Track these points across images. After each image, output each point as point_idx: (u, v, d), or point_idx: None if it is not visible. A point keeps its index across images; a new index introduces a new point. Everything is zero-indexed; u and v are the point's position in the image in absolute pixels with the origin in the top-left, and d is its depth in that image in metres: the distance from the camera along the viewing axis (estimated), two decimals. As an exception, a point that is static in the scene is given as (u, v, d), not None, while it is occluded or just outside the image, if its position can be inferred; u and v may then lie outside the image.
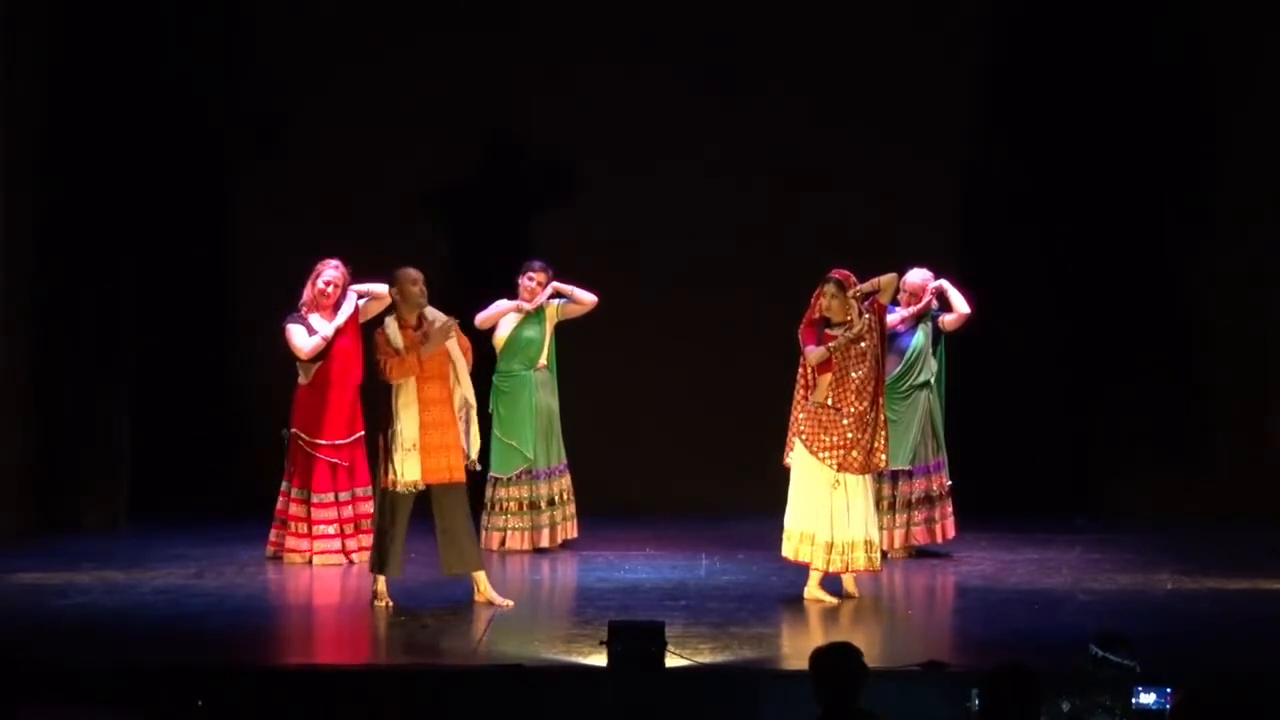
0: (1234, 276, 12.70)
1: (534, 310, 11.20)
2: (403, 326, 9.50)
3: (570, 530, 11.35)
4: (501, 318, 11.20)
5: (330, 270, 10.76)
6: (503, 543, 11.14)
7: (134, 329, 12.23)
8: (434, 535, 9.61)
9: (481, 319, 11.20)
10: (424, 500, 9.54)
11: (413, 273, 9.60)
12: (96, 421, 11.93)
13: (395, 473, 9.40)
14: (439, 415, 9.48)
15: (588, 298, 11.26)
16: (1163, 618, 9.25)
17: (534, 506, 11.23)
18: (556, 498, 11.29)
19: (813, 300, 9.60)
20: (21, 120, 11.44)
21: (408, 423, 9.41)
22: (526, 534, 11.21)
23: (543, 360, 11.21)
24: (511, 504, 11.18)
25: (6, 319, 11.37)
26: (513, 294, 11.22)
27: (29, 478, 11.65)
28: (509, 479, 11.16)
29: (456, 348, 9.59)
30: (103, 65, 11.85)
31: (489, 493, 11.21)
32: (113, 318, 12.03)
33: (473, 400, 9.66)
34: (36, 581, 10.12)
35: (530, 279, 11.20)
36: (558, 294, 11.24)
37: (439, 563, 9.63)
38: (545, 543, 11.22)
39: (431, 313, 9.56)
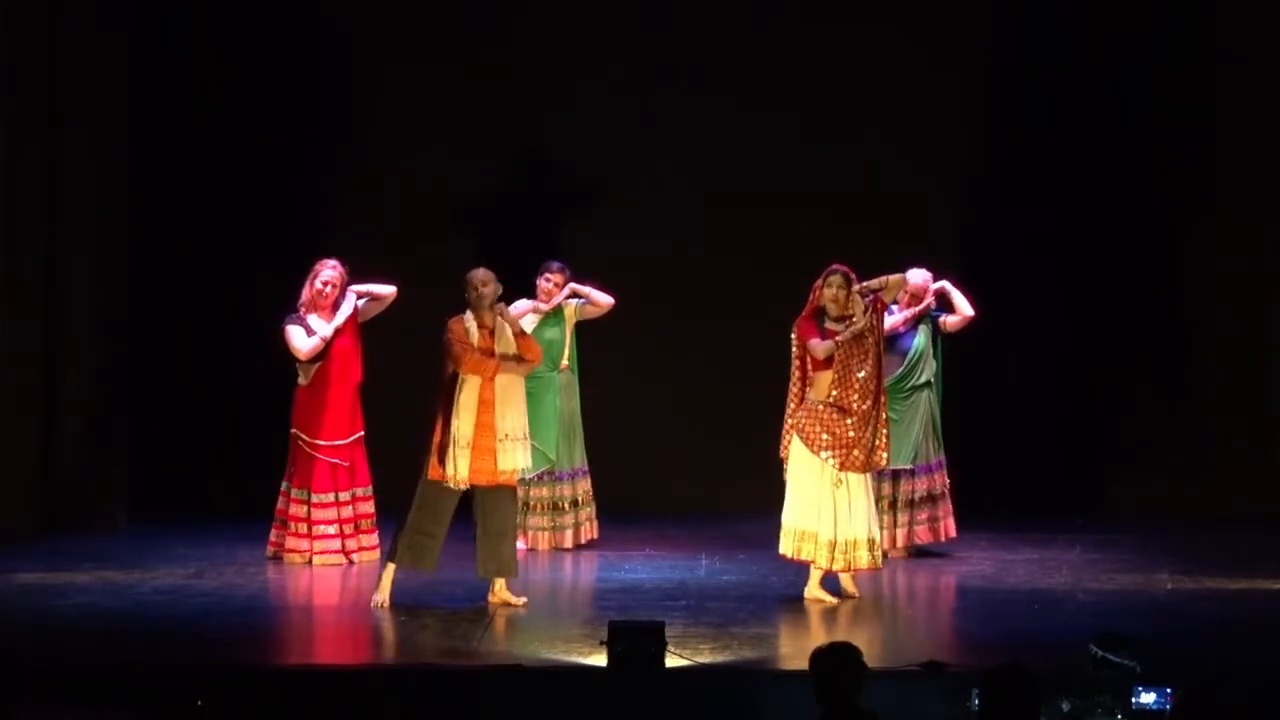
0: (1234, 276, 12.71)
1: (552, 311, 11.21)
2: (480, 328, 9.50)
3: (591, 531, 11.39)
4: (520, 319, 11.19)
5: (328, 270, 10.75)
6: (518, 541, 11.14)
7: (134, 329, 12.23)
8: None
9: None
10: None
11: (481, 274, 9.55)
12: (96, 421, 11.93)
13: (450, 468, 9.40)
14: (489, 417, 9.46)
15: (604, 299, 11.27)
16: (1163, 618, 9.25)
17: (556, 508, 11.26)
18: (580, 499, 11.31)
19: (814, 290, 9.58)
20: (22, 119, 11.44)
21: (465, 420, 9.41)
22: (548, 534, 11.24)
23: (564, 361, 11.23)
24: (535, 504, 11.20)
25: (8, 319, 11.37)
26: (531, 296, 11.23)
27: (29, 478, 11.64)
28: (530, 479, 11.17)
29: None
30: (108, 64, 11.85)
31: None
32: (113, 317, 12.03)
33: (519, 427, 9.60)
34: (36, 581, 10.12)
35: (547, 280, 11.22)
36: (575, 295, 11.26)
37: (475, 563, 9.60)
38: (568, 543, 11.25)
39: (502, 312, 9.58)
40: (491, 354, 9.47)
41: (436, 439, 9.47)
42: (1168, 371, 12.81)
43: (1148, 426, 12.75)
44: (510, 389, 9.53)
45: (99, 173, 11.87)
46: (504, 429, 9.48)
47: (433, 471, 9.48)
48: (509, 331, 9.57)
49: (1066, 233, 12.76)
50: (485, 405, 9.47)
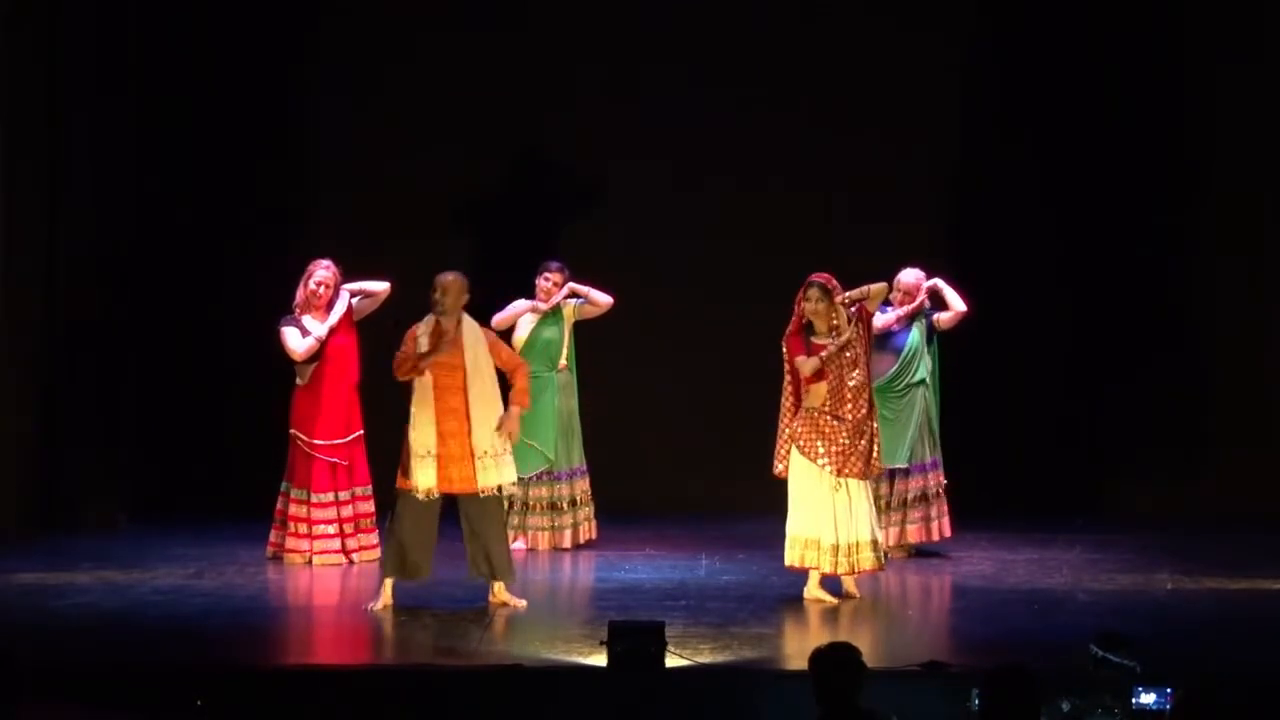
0: (1234, 275, 12.70)
1: (550, 310, 11.22)
2: (432, 334, 9.44)
3: (590, 531, 11.39)
4: (518, 318, 11.23)
5: (321, 270, 10.74)
6: (516, 540, 11.16)
7: (134, 329, 12.23)
8: (441, 536, 9.59)
9: (498, 320, 11.23)
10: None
11: (442, 280, 9.47)
12: (96, 421, 11.92)
13: (413, 479, 9.36)
14: (459, 426, 9.40)
15: (603, 299, 11.27)
16: (1163, 618, 9.25)
17: (555, 508, 11.26)
18: (578, 498, 11.32)
19: (796, 305, 9.57)
20: (21, 119, 11.43)
21: (423, 429, 9.35)
22: (547, 534, 11.24)
23: (563, 361, 11.25)
24: (533, 504, 11.20)
25: (7, 319, 11.37)
26: (531, 296, 11.24)
27: (29, 477, 11.64)
28: (529, 479, 11.18)
29: (484, 366, 9.43)
30: (104, 61, 11.85)
31: (507, 491, 11.21)
32: (113, 318, 12.02)
33: (510, 430, 9.46)
34: (36, 581, 10.12)
35: (547, 279, 11.23)
36: (574, 294, 11.27)
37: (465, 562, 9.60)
38: (567, 543, 11.25)
39: (466, 324, 9.44)
40: (422, 355, 9.35)
41: (403, 447, 9.45)
42: (1168, 371, 12.79)
43: (1148, 426, 12.75)
44: (484, 403, 9.40)
45: (99, 172, 11.86)
46: (482, 446, 9.38)
47: (399, 481, 9.44)
48: (480, 350, 9.38)
49: (1066, 232, 12.75)
50: (451, 414, 9.36)
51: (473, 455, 9.39)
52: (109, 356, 12.00)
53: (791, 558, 9.64)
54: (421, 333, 9.44)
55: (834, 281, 9.53)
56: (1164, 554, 10.92)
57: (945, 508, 11.01)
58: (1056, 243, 12.76)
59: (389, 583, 9.47)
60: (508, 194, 12.89)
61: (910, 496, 10.93)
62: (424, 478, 9.35)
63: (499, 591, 9.52)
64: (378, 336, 10.96)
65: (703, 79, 12.67)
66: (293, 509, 10.74)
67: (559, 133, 12.78)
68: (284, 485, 10.83)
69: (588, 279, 11.31)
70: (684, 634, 8.56)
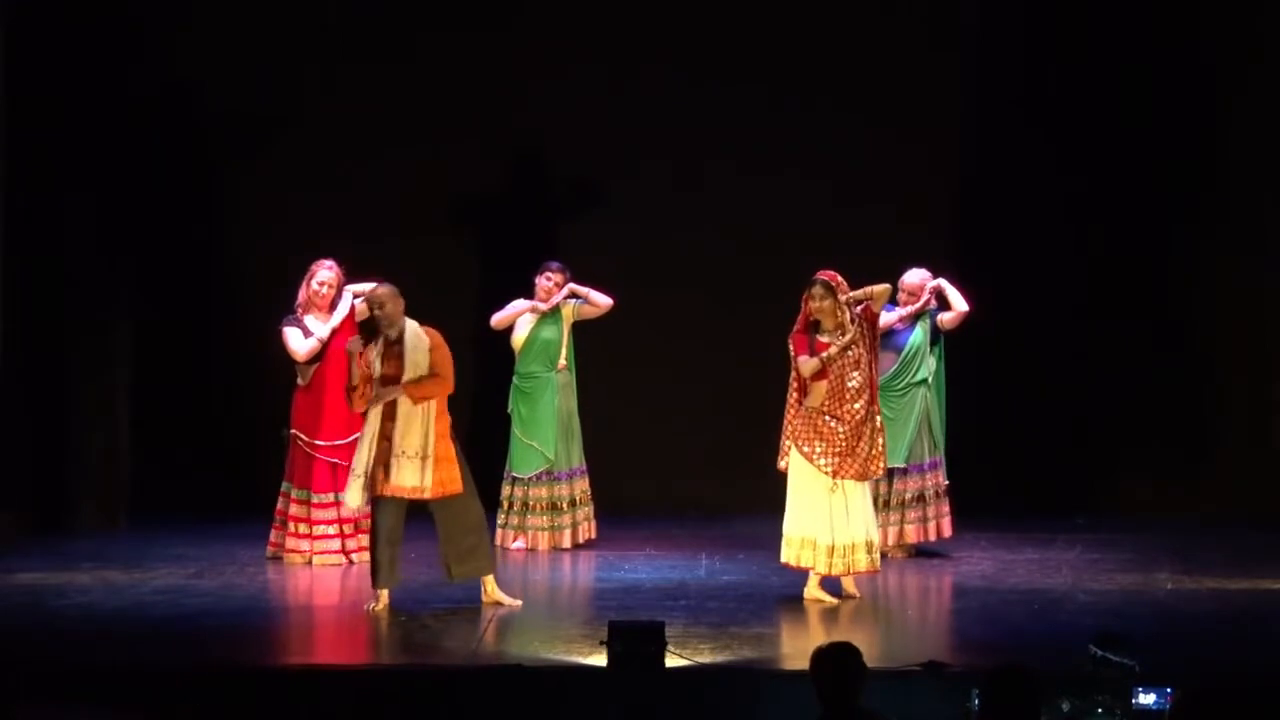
0: (1235, 275, 12.70)
1: (550, 311, 11.23)
2: (381, 350, 9.40)
3: (590, 531, 11.40)
4: (517, 318, 11.24)
5: (324, 271, 10.75)
6: (516, 540, 11.16)
7: (133, 329, 12.24)
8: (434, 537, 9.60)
9: (497, 319, 11.25)
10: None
11: (370, 297, 9.49)
12: (96, 421, 11.93)
13: (346, 496, 9.44)
14: (392, 430, 9.29)
15: (603, 300, 11.28)
16: (1163, 618, 9.25)
17: (554, 508, 11.26)
18: (578, 498, 11.32)
19: (803, 304, 9.56)
20: (15, 118, 11.43)
21: (361, 448, 9.34)
22: (547, 534, 11.24)
23: (562, 361, 11.25)
24: (533, 504, 11.20)
25: (5, 319, 11.36)
26: (530, 295, 11.25)
27: (28, 477, 11.64)
28: (528, 479, 11.18)
29: (423, 370, 9.28)
30: (104, 59, 11.84)
31: (506, 491, 11.25)
32: (112, 317, 12.03)
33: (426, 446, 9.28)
34: (36, 581, 10.12)
35: (547, 279, 11.24)
36: (574, 295, 11.27)
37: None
38: (567, 543, 11.26)
39: (408, 332, 9.35)
40: (370, 379, 9.31)
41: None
42: (1168, 371, 12.79)
43: (1148, 426, 12.75)
44: (415, 408, 9.27)
45: (98, 171, 11.86)
46: (401, 447, 9.25)
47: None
48: (419, 356, 9.30)
49: (1069, 232, 12.75)
50: (390, 420, 9.29)
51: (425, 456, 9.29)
52: (107, 356, 11.99)
53: (787, 556, 9.64)
54: (374, 356, 9.36)
55: (839, 279, 9.52)
56: (1164, 554, 10.92)
57: (946, 508, 11.00)
58: (1059, 243, 12.75)
59: (385, 591, 9.45)
60: (508, 194, 12.90)
61: (908, 497, 10.92)
62: (351, 496, 9.36)
63: (491, 591, 9.47)
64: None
65: (704, 78, 12.67)
66: (293, 509, 10.75)
67: (559, 133, 12.78)
68: (284, 485, 10.83)
69: (588, 279, 11.31)
70: (684, 634, 8.56)
